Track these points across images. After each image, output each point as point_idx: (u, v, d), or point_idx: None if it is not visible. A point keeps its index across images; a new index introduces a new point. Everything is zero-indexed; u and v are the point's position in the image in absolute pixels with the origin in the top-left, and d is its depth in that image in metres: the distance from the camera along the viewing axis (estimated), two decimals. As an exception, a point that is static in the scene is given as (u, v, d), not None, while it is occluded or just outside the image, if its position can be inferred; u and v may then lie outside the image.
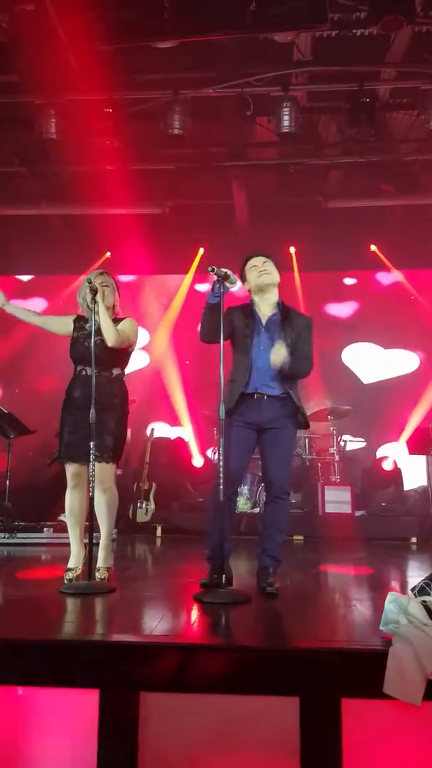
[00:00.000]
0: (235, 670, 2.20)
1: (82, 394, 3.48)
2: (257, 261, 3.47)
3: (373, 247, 8.31)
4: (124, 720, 2.17)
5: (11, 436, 6.66)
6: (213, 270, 3.17)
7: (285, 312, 3.48)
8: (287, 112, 5.69)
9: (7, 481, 6.48)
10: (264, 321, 3.44)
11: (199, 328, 3.39)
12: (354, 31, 5.40)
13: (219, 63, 5.53)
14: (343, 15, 5.17)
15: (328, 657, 2.19)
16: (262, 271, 3.42)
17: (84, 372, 3.56)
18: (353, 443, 7.87)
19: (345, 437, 7.39)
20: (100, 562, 3.56)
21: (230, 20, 4.40)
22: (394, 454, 7.84)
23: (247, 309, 3.49)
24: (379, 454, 8.15)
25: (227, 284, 3.22)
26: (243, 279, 3.52)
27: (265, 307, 3.47)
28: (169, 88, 5.66)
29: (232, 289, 3.27)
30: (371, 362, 8.62)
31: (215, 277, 3.21)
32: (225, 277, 3.19)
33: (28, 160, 6.88)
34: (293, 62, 5.58)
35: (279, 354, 3.24)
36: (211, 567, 3.29)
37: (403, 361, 8.58)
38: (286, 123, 5.73)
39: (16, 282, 9.02)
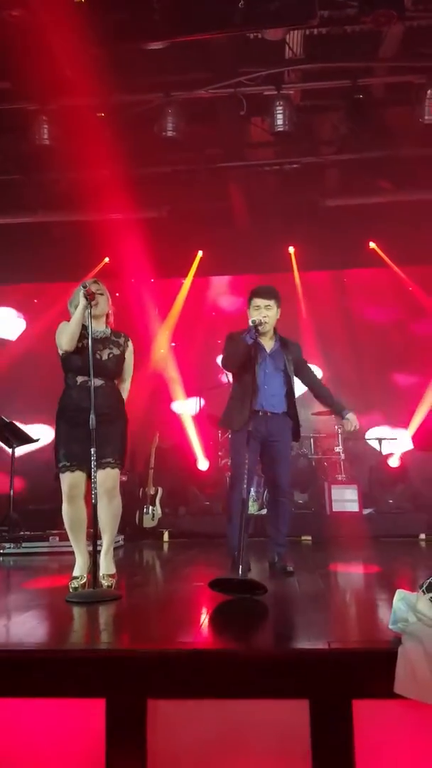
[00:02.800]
0: (242, 675, 2.16)
1: (87, 406, 3.37)
2: (260, 302, 3.98)
3: (372, 245, 8.27)
4: (132, 728, 2.13)
5: (14, 446, 6.65)
6: (254, 323, 3.82)
7: (282, 342, 4.13)
8: (281, 111, 5.65)
9: (11, 491, 6.46)
10: (268, 350, 4.05)
11: (222, 357, 4.12)
12: (345, 27, 5.37)
13: (211, 63, 5.51)
14: (333, 12, 5.14)
15: (337, 658, 2.15)
16: (264, 317, 3.91)
17: (87, 383, 3.45)
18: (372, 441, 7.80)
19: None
20: (104, 569, 3.52)
21: (219, 19, 4.38)
22: (400, 449, 7.76)
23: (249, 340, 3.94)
24: (385, 450, 8.08)
25: (260, 328, 3.84)
26: (248, 307, 4.07)
27: (266, 340, 4.06)
28: (161, 90, 5.64)
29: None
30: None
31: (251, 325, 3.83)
32: (259, 324, 3.82)
33: (24, 168, 6.86)
34: (285, 60, 5.55)
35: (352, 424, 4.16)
36: (233, 561, 3.61)
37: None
38: (280, 122, 5.70)
39: (15, 290, 9.02)
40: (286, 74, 5.72)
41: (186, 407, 8.21)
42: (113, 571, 3.58)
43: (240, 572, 3.17)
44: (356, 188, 7.51)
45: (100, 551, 3.47)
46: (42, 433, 6.96)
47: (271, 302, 3.98)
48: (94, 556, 3.34)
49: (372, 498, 7.09)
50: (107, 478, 3.44)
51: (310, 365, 4.30)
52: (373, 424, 8.05)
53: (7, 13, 4.44)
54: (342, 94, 5.83)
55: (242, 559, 3.19)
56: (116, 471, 3.53)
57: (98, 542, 3.40)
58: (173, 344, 8.56)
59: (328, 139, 6.82)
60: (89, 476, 3.39)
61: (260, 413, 3.90)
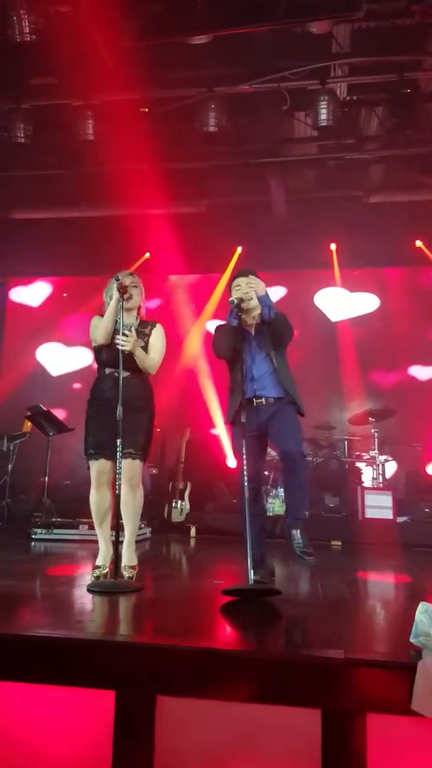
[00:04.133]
0: (254, 678, 2.11)
1: (113, 396, 3.46)
2: (240, 281, 3.73)
3: (419, 243, 8.07)
4: (141, 722, 2.11)
5: (51, 434, 6.74)
6: (232, 302, 3.60)
7: (264, 319, 3.72)
8: (324, 106, 5.56)
9: (46, 478, 6.56)
10: (253, 332, 3.70)
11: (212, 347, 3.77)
12: (393, 20, 5.25)
13: (254, 58, 5.44)
14: (381, 5, 5.04)
15: (352, 669, 2.08)
16: (246, 293, 3.63)
17: (117, 374, 3.52)
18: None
19: (380, 458, 7.08)
20: (126, 560, 3.53)
21: (262, 12, 4.31)
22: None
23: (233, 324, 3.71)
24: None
25: (243, 305, 3.58)
26: (229, 293, 3.79)
27: (249, 318, 3.70)
28: (204, 85, 5.60)
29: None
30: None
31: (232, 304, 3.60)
32: (240, 301, 3.57)
33: (67, 163, 6.93)
34: (331, 54, 5.45)
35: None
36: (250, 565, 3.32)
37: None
38: (323, 117, 5.61)
39: (57, 283, 9.14)
40: (331, 68, 5.61)
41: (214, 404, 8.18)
42: (135, 562, 3.58)
43: (251, 577, 3.07)
44: (401, 185, 7.34)
45: (122, 542, 3.49)
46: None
47: (251, 278, 3.75)
48: (116, 546, 3.34)
49: (407, 505, 6.92)
50: (128, 468, 3.48)
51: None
52: (415, 430, 7.84)
53: (54, 9, 4.48)
54: (388, 89, 5.69)
55: (252, 561, 3.10)
56: (137, 462, 3.55)
57: (121, 533, 3.42)
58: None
59: (373, 134, 6.67)
60: (116, 464, 3.44)
61: (254, 402, 3.59)
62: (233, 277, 3.81)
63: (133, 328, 3.64)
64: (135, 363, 3.62)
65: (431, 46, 5.30)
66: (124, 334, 3.50)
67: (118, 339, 3.52)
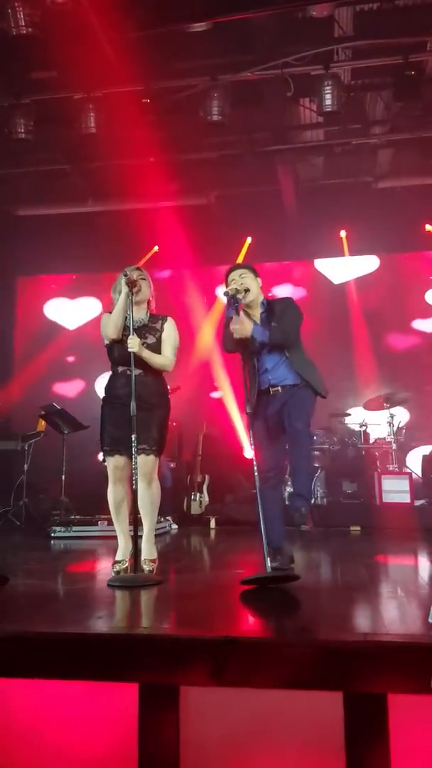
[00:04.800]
0: (275, 664, 2.12)
1: (127, 393, 3.47)
2: (234, 275, 3.70)
3: (429, 227, 7.99)
4: (165, 714, 2.13)
5: (66, 432, 6.79)
6: (227, 293, 3.54)
7: (269, 307, 3.71)
8: (329, 91, 5.50)
9: (63, 476, 6.61)
10: (259, 321, 3.66)
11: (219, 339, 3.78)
12: (396, 2, 5.18)
13: (256, 44, 5.40)
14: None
15: (372, 650, 2.08)
16: (241, 284, 3.60)
17: (129, 371, 3.53)
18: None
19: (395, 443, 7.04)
20: (145, 554, 3.57)
21: (262, -3, 4.27)
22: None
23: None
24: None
25: (239, 297, 3.53)
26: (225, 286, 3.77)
27: (253, 309, 3.69)
28: (207, 74, 5.56)
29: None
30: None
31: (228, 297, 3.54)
32: (236, 293, 3.52)
33: (72, 158, 6.94)
34: (334, 38, 5.39)
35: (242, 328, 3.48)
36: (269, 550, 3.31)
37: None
38: (328, 102, 5.54)
39: (66, 280, 9.16)
40: (335, 53, 5.56)
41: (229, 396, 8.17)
42: (154, 556, 3.61)
43: (268, 565, 3.06)
44: (409, 169, 7.26)
45: (141, 536, 3.52)
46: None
47: (245, 271, 3.70)
48: (135, 540, 3.37)
49: (426, 489, 6.89)
50: (143, 464, 3.50)
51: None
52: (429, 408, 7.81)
53: (52, 0, 4.46)
54: (393, 72, 5.62)
55: (268, 549, 3.09)
56: (151, 457, 3.57)
57: (140, 527, 3.44)
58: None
59: (380, 118, 6.60)
60: (131, 460, 3.46)
61: (270, 391, 3.57)
62: (228, 271, 3.77)
63: (165, 324, 3.69)
64: (143, 361, 3.61)
65: (435, 25, 5.23)
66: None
67: (150, 337, 3.61)
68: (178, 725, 2.13)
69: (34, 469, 7.10)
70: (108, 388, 3.74)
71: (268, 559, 3.08)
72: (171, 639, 2.26)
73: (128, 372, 3.50)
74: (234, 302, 3.48)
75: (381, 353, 7.92)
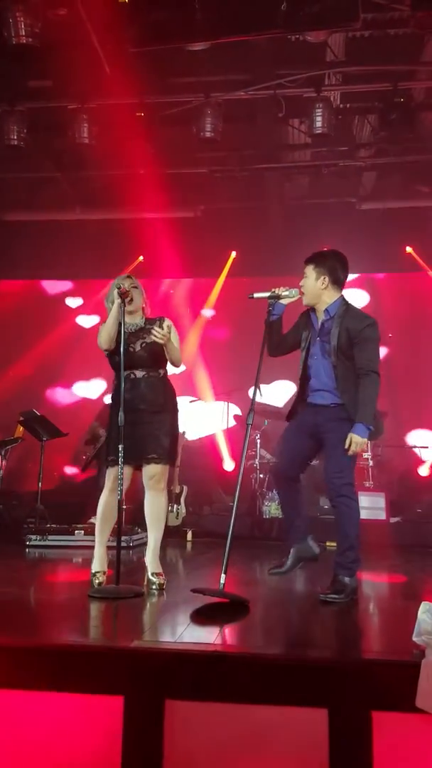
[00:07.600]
0: (261, 680, 2.15)
1: (132, 397, 3.47)
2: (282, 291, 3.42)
3: (409, 249, 8.16)
4: (149, 727, 2.13)
5: (44, 439, 6.72)
6: (252, 296, 3.39)
7: (340, 316, 3.29)
8: (320, 114, 5.62)
9: (39, 484, 6.53)
10: (317, 328, 3.38)
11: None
12: (388, 30, 5.33)
13: (251, 65, 5.51)
14: (376, 14, 5.11)
15: (358, 668, 2.12)
16: (294, 288, 3.40)
17: (132, 375, 3.53)
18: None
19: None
20: (152, 568, 3.53)
21: (262, 21, 4.37)
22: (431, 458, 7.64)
23: (308, 315, 3.48)
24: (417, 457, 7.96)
25: (282, 302, 3.36)
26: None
27: (319, 312, 3.39)
28: (201, 91, 5.66)
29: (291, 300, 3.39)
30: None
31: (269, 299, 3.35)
32: (277, 297, 3.33)
33: (63, 166, 6.95)
34: (326, 63, 5.52)
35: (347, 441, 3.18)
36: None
37: None
38: (318, 124, 5.67)
39: (50, 287, 9.12)
40: (326, 76, 5.69)
41: (210, 407, 8.20)
42: (161, 569, 3.57)
43: (222, 581, 3.02)
44: (393, 192, 7.43)
45: (125, 547, 3.50)
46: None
47: (307, 269, 3.34)
48: (118, 552, 3.35)
49: (400, 506, 6.98)
50: (152, 473, 3.47)
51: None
52: (406, 431, 7.93)
53: (53, 12, 4.50)
54: (382, 98, 5.77)
55: (226, 566, 3.05)
56: (160, 466, 3.51)
57: (122, 539, 3.42)
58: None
59: (366, 141, 6.76)
60: (137, 469, 3.50)
61: (311, 404, 3.36)
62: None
63: (164, 324, 3.59)
64: (150, 361, 3.60)
65: (425, 56, 5.39)
66: (155, 328, 3.47)
67: (148, 337, 3.54)
68: (162, 739, 2.13)
69: (9, 476, 7.02)
70: (114, 396, 3.65)
71: (224, 576, 3.05)
72: (155, 652, 2.27)
73: (132, 375, 3.50)
74: (273, 307, 3.32)
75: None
